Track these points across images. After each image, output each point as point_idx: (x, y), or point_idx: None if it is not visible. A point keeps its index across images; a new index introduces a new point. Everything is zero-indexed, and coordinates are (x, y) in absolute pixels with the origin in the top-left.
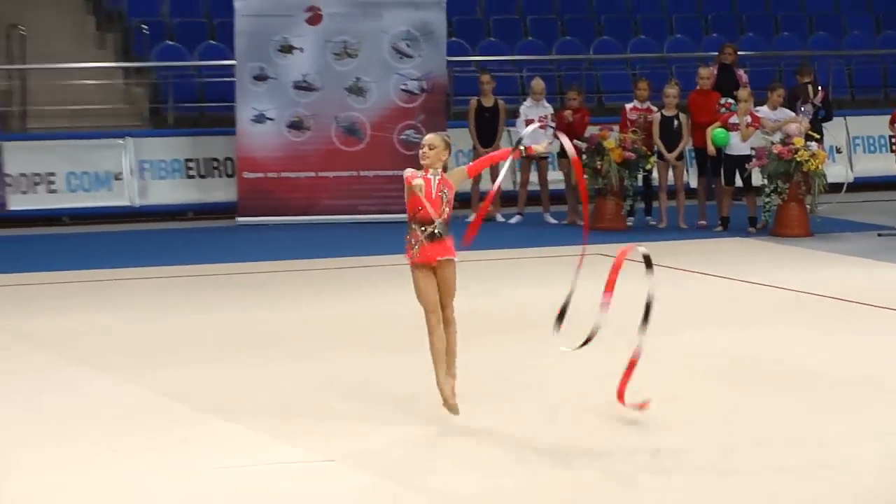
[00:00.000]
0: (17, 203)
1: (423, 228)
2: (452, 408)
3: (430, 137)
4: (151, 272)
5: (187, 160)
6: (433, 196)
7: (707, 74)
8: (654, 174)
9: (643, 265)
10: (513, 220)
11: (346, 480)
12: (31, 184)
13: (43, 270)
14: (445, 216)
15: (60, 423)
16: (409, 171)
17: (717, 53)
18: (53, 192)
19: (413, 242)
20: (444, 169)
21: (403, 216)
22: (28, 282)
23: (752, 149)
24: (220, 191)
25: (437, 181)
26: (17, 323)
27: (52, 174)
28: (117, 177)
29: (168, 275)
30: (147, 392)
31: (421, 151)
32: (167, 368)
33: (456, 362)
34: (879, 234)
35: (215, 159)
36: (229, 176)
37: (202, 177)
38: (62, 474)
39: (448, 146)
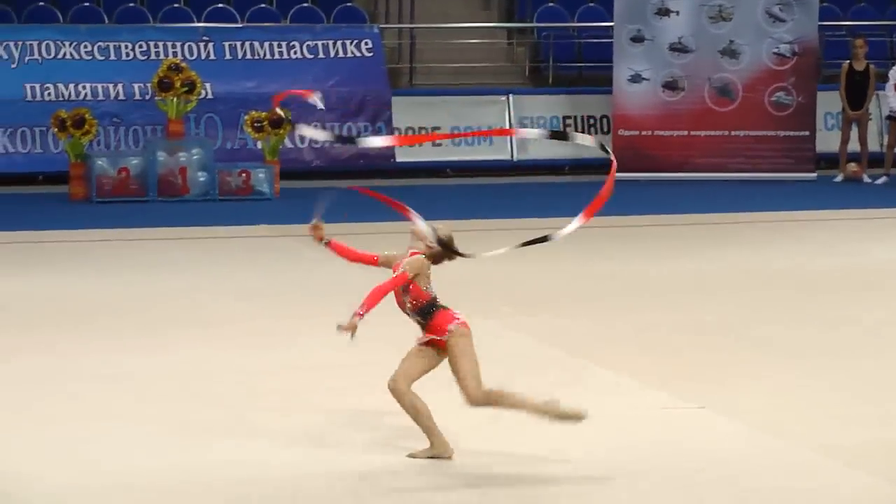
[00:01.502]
0: (404, 155)
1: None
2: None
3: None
4: (527, 224)
5: (565, 117)
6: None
7: None
8: None
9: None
10: (879, 181)
11: (716, 427)
12: None
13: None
14: (409, 306)
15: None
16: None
17: None
18: (438, 145)
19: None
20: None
21: (774, 175)
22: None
23: None
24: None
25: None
26: None
27: (437, 128)
28: None
29: (546, 227)
30: (527, 337)
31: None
32: (546, 315)
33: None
34: None
35: (592, 117)
36: (605, 133)
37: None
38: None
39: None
